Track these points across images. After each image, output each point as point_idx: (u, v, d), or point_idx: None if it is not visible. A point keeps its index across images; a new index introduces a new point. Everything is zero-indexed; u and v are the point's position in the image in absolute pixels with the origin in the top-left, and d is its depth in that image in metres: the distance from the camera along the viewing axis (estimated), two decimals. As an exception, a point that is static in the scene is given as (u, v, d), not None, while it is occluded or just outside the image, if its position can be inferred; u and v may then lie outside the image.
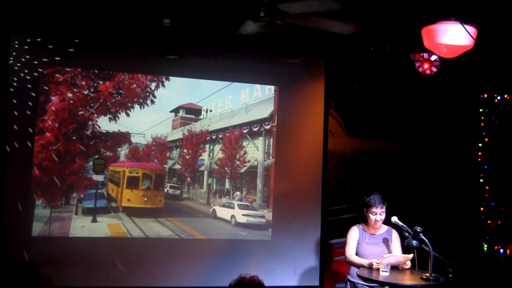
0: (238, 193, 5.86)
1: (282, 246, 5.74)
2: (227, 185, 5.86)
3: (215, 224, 5.74)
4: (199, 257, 5.55)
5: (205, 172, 5.83)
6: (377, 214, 4.29)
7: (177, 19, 4.84)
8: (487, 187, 5.97)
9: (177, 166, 5.74)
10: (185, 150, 5.77)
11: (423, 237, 3.98)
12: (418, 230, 4.01)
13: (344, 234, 4.48)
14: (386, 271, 3.92)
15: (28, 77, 5.24)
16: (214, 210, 5.78)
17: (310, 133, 5.94)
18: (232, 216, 5.77)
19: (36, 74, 5.27)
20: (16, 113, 5.19)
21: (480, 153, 6.05)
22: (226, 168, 5.83)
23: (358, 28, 4.34)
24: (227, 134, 5.85)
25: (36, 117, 5.26)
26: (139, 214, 5.53)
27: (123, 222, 5.47)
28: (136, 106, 5.56)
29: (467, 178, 6.03)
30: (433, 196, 6.04)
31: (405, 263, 4.11)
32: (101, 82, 5.47)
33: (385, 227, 4.44)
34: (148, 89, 5.60)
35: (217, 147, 5.84)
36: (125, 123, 5.52)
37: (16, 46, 5.21)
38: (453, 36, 3.84)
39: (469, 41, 3.86)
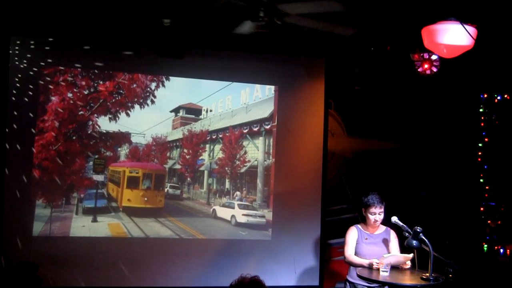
0: (238, 193, 5.87)
1: (282, 246, 5.75)
2: (227, 185, 5.86)
3: (215, 224, 5.74)
4: (199, 257, 5.55)
5: (205, 172, 5.83)
6: (376, 214, 4.29)
7: (177, 19, 4.84)
8: (487, 187, 5.97)
9: (177, 166, 5.74)
10: (185, 150, 5.77)
11: (423, 237, 3.97)
12: (418, 230, 4.00)
13: (344, 234, 4.47)
14: (386, 271, 3.92)
15: (28, 77, 5.25)
16: (214, 210, 5.78)
17: (310, 133, 5.95)
18: (232, 216, 5.78)
19: (36, 74, 5.28)
20: (16, 113, 5.20)
21: (480, 153, 6.05)
22: (226, 168, 5.84)
23: (358, 28, 4.34)
24: (227, 134, 5.86)
25: (36, 117, 5.27)
26: (139, 214, 5.53)
27: (123, 222, 5.48)
28: (136, 106, 5.56)
29: (467, 178, 6.03)
30: (433, 196, 6.04)
31: (405, 263, 4.10)
32: (101, 82, 5.47)
33: (384, 227, 4.43)
34: (148, 89, 5.60)
35: (217, 147, 5.85)
36: (125, 123, 5.53)
37: (16, 46, 5.22)
38: (453, 36, 3.84)
39: (469, 41, 3.86)
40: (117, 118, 5.51)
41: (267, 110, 5.93)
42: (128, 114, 5.54)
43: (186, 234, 5.59)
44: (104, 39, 5.40)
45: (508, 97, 5.86)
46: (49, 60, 5.31)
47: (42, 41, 5.28)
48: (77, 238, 5.30)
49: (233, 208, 5.80)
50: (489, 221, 5.89)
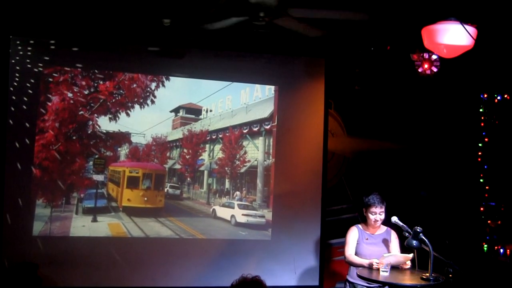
0: (238, 193, 5.87)
1: (282, 246, 5.75)
2: (227, 185, 5.86)
3: (215, 224, 5.74)
4: (199, 257, 5.55)
5: (205, 172, 5.83)
6: (377, 214, 4.29)
7: (177, 19, 4.83)
8: (487, 187, 5.98)
9: (177, 166, 5.74)
10: (185, 150, 5.77)
11: (423, 237, 3.97)
12: (418, 230, 4.01)
13: (344, 234, 4.47)
14: (386, 271, 3.92)
15: (28, 77, 5.25)
16: (214, 210, 5.78)
17: (310, 133, 5.95)
18: (232, 216, 5.78)
19: (36, 74, 5.28)
20: (16, 112, 5.19)
21: (480, 153, 6.05)
22: (226, 168, 5.84)
23: (358, 28, 4.35)
24: (227, 134, 5.86)
25: (36, 116, 5.26)
26: (139, 214, 5.53)
27: (123, 222, 5.48)
28: (136, 106, 5.56)
29: (467, 178, 6.03)
30: (433, 196, 6.04)
31: (405, 263, 4.10)
32: (101, 82, 5.47)
33: (384, 228, 4.44)
34: (148, 89, 5.60)
35: (217, 147, 5.85)
36: (125, 123, 5.53)
37: (16, 46, 5.21)
38: (453, 36, 3.84)
39: (469, 41, 3.86)
40: (117, 118, 5.51)
41: (267, 110, 5.93)
42: (128, 114, 5.54)
43: (186, 234, 5.59)
44: (104, 39, 5.40)
45: (508, 97, 5.87)
46: (49, 60, 5.30)
47: (42, 41, 5.28)
48: (77, 238, 5.30)
49: (233, 208, 5.80)
50: (489, 221, 5.89)
